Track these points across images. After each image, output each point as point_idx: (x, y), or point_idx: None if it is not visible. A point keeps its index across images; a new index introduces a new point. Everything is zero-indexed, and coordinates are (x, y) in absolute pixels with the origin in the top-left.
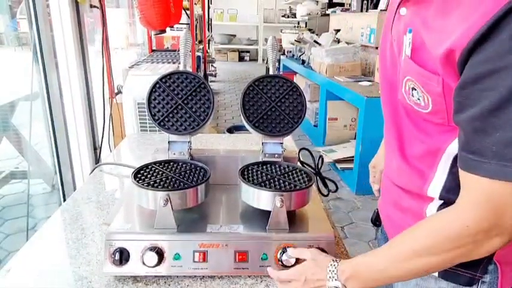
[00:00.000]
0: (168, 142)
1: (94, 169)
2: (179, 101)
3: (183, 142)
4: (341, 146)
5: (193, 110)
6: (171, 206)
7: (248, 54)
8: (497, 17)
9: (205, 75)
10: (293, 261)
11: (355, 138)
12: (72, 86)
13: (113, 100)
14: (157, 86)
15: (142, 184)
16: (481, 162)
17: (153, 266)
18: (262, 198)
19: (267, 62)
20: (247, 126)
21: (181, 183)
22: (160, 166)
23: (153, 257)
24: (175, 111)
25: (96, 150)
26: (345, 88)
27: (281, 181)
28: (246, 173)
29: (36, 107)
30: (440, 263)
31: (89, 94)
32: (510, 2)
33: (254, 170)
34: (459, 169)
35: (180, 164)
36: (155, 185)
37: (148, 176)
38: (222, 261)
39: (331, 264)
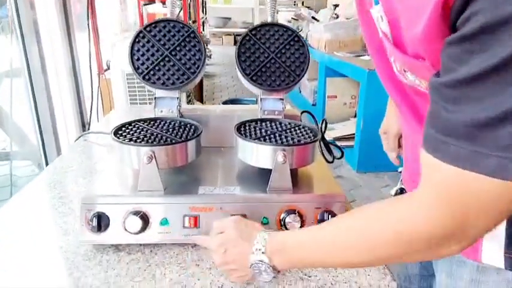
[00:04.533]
0: (154, 98)
1: (79, 137)
2: (166, 52)
3: (171, 98)
4: (340, 124)
5: (182, 62)
6: (157, 164)
7: None
8: None
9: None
10: (298, 225)
11: (355, 117)
12: (56, 61)
13: (102, 76)
14: (141, 35)
15: (124, 140)
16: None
17: (137, 233)
18: (261, 155)
19: None
20: (244, 81)
21: (168, 139)
22: (146, 124)
23: (136, 223)
24: (161, 63)
25: (84, 127)
26: (345, 62)
27: (283, 136)
28: (242, 129)
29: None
30: (385, 261)
31: (75, 70)
32: None
33: (252, 127)
34: (421, 151)
35: (167, 121)
36: (138, 140)
37: (131, 132)
38: None
39: (259, 235)
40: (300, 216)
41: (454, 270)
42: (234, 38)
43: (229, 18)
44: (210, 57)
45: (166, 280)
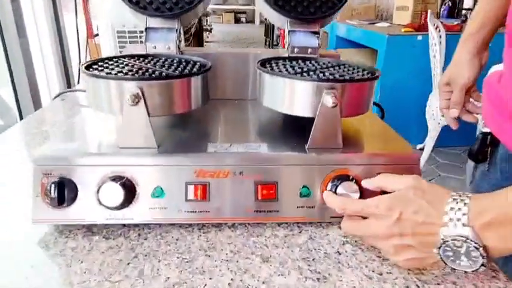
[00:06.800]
0: (145, 29)
1: (57, 96)
2: None
3: (168, 29)
4: None
5: None
6: (146, 107)
7: (245, 15)
8: None
9: (201, 29)
10: (357, 196)
11: None
12: (38, 25)
13: (92, 41)
14: None
15: (99, 74)
16: None
17: (118, 208)
18: (299, 97)
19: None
20: (266, 9)
21: (162, 74)
22: (133, 59)
23: (116, 193)
24: None
25: None
26: (361, 29)
27: (327, 73)
28: (268, 66)
29: None
30: None
31: (60, 34)
32: None
33: (280, 64)
34: None
35: (163, 57)
36: (119, 74)
37: (111, 67)
38: (235, 199)
39: (454, 199)
40: (358, 184)
41: None
42: (235, 15)
43: None
44: (211, 31)
45: (161, 279)
